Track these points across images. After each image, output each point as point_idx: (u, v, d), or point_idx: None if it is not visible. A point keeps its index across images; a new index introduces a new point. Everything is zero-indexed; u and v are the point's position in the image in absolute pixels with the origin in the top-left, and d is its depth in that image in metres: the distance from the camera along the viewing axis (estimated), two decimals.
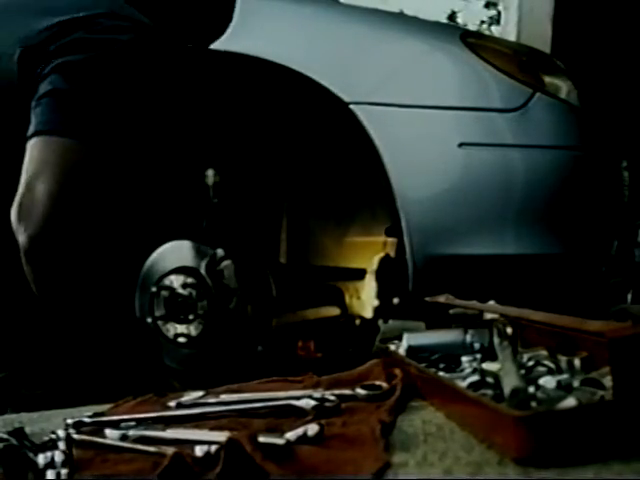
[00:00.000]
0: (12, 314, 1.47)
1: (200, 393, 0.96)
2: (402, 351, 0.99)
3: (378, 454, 0.64)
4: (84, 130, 1.24)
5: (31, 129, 1.25)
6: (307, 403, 0.79)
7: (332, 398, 0.80)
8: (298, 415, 0.77)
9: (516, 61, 1.81)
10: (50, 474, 0.64)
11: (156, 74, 1.37)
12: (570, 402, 0.65)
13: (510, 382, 0.69)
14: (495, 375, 0.77)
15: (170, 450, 0.64)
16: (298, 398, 0.81)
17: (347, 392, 0.87)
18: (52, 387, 1.35)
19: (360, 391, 0.86)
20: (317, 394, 0.81)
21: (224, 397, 0.92)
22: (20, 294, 1.33)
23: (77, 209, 1.24)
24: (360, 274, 2.18)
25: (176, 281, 1.80)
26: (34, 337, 1.46)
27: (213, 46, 1.68)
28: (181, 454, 0.63)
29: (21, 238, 1.21)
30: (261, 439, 0.65)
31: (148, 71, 1.34)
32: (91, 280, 1.29)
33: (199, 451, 0.65)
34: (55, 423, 0.86)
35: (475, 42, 1.80)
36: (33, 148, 1.23)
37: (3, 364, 1.40)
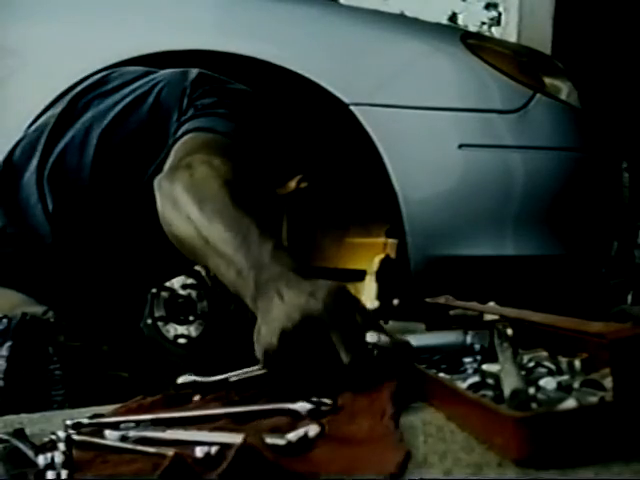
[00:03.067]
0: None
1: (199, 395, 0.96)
2: None
3: (396, 445, 0.64)
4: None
5: None
6: (302, 406, 0.78)
7: (328, 401, 0.80)
8: (295, 418, 0.77)
9: (516, 62, 1.81)
10: (50, 475, 0.64)
11: None
12: (570, 403, 0.65)
13: (510, 383, 0.68)
14: (495, 376, 0.77)
15: (170, 451, 0.64)
16: (294, 401, 0.80)
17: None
18: (90, 343, 1.30)
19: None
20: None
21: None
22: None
23: None
24: (360, 275, 2.18)
25: (176, 282, 1.80)
26: (89, 284, 1.34)
27: (213, 47, 1.68)
28: (182, 455, 0.63)
29: None
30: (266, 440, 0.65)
31: None
32: None
33: (200, 452, 0.65)
34: (55, 424, 0.86)
35: (476, 43, 1.81)
36: None
37: (48, 298, 1.26)
